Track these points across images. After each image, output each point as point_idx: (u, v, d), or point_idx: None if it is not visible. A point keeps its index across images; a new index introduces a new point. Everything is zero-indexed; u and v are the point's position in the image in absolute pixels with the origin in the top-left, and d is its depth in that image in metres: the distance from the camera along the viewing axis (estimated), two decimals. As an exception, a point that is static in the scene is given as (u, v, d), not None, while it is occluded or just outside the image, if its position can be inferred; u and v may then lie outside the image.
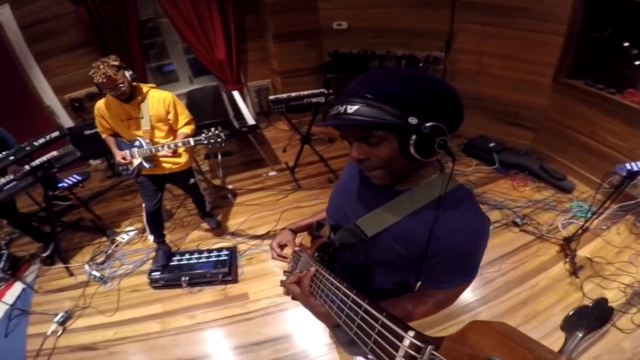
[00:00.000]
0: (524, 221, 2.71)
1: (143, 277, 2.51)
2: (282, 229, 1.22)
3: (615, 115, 2.76)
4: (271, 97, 3.42)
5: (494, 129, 3.56)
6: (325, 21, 3.89)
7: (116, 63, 1.91)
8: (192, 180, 2.57)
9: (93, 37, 3.44)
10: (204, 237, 2.87)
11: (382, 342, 0.54)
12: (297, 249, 1.09)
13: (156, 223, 2.54)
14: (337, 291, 0.72)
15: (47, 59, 3.47)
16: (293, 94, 3.38)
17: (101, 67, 1.86)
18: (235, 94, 3.90)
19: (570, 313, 1.43)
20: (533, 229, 2.66)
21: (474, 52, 3.35)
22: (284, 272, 1.14)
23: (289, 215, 2.97)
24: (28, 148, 2.39)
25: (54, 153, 2.63)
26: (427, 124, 0.70)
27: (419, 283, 0.94)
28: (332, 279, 0.76)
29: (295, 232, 1.20)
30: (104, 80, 1.87)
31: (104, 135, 2.29)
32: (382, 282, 0.94)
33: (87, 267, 2.66)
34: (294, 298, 0.91)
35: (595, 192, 2.53)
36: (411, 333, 0.49)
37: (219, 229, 2.91)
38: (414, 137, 0.71)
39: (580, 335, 1.43)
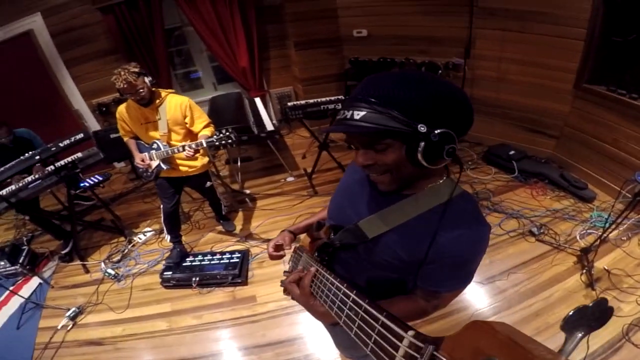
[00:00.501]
0: (541, 230, 2.58)
1: (156, 277, 2.51)
2: (282, 231, 1.21)
3: (638, 122, 2.58)
4: (289, 104, 3.44)
5: (514, 136, 3.42)
6: (346, 29, 3.93)
7: (136, 70, 1.99)
8: (208, 184, 2.60)
9: (121, 45, 3.60)
10: (218, 240, 2.87)
11: (382, 342, 0.54)
12: (296, 246, 1.09)
13: (173, 223, 2.57)
14: (337, 291, 0.72)
15: (77, 65, 3.66)
16: (310, 101, 3.39)
17: (122, 73, 1.94)
18: (257, 101, 3.95)
19: (570, 313, 1.37)
20: (550, 239, 2.54)
21: (493, 58, 3.25)
22: (284, 272, 1.13)
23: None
24: (53, 149, 2.49)
25: (79, 154, 2.73)
26: (436, 131, 0.68)
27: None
28: (332, 279, 0.76)
29: (294, 233, 1.19)
30: (125, 86, 1.96)
31: (125, 139, 2.37)
32: (380, 284, 0.93)
33: (103, 265, 2.70)
34: (293, 298, 0.90)
35: (615, 201, 2.37)
36: (411, 333, 0.49)
37: (234, 232, 2.90)
38: (422, 144, 0.68)
39: (580, 335, 1.37)
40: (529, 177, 3.11)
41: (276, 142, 3.87)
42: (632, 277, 2.19)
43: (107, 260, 2.76)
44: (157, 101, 2.16)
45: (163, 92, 2.20)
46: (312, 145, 4.07)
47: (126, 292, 2.45)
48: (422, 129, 0.68)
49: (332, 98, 3.38)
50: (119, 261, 2.75)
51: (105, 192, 3.73)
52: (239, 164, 3.63)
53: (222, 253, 2.56)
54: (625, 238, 2.48)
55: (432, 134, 0.68)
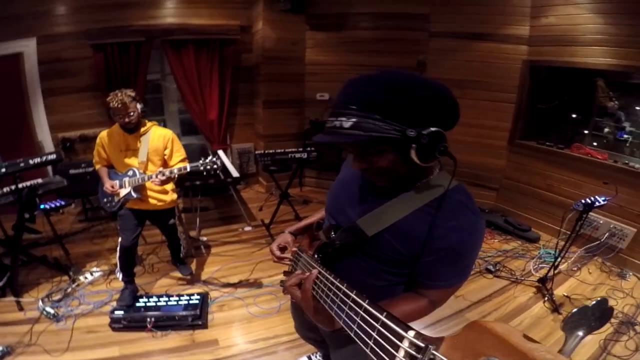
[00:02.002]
0: (497, 268, 2.87)
1: (102, 319, 2.35)
2: (282, 232, 1.23)
3: (567, 167, 3.23)
4: (257, 152, 3.73)
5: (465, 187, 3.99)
6: (310, 92, 4.45)
7: (132, 94, 2.14)
8: (172, 221, 2.62)
9: (102, 84, 3.72)
10: (174, 284, 2.80)
11: (382, 342, 0.54)
12: (295, 249, 1.09)
13: (128, 260, 2.49)
14: (337, 291, 0.72)
15: (53, 96, 3.67)
16: (279, 150, 3.71)
17: (119, 94, 2.07)
18: (220, 152, 4.19)
19: (571, 313, 1.43)
20: (507, 274, 2.83)
21: None
22: (284, 272, 1.14)
23: (264, 266, 3.00)
24: (22, 164, 2.42)
25: (39, 180, 2.68)
26: (425, 133, 0.71)
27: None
28: (332, 279, 0.75)
29: (294, 234, 1.21)
30: (119, 106, 2.07)
31: (97, 166, 2.39)
32: (382, 280, 0.93)
33: (40, 303, 2.47)
34: (294, 300, 0.88)
35: (558, 237, 2.72)
36: (411, 333, 0.49)
37: (191, 277, 2.86)
38: (414, 146, 0.72)
39: (581, 335, 1.41)
40: (477, 225, 3.60)
41: (237, 192, 4.04)
42: (592, 300, 2.36)
43: (45, 299, 2.53)
44: (142, 129, 2.27)
45: (148, 123, 2.32)
46: (269, 199, 4.31)
47: (66, 334, 2.24)
48: (411, 133, 0.70)
49: (299, 149, 3.73)
50: (59, 300, 2.53)
51: (49, 230, 3.49)
52: (198, 212, 3.69)
53: (180, 295, 2.50)
54: (575, 268, 2.89)
55: (422, 136, 0.70)
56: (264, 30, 4.07)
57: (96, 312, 2.45)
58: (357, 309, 0.63)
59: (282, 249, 1.18)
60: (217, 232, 3.65)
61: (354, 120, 0.72)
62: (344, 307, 0.67)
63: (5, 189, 2.52)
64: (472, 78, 3.66)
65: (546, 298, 2.53)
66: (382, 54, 4.03)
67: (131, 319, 2.29)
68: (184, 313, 2.31)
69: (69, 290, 2.65)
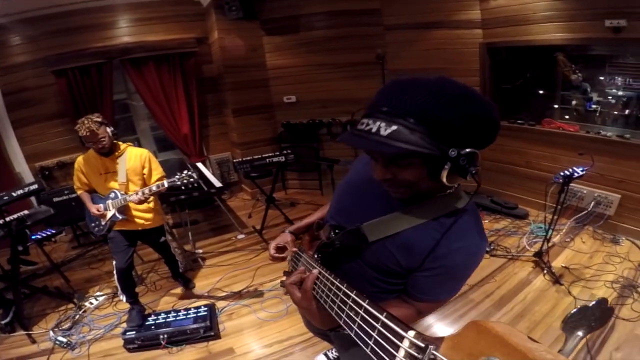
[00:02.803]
0: (492, 247, 2.93)
1: (116, 341, 2.44)
2: (282, 231, 1.21)
3: (541, 142, 3.35)
4: (235, 160, 3.81)
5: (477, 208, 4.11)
6: (277, 96, 4.54)
7: (99, 119, 2.17)
8: (162, 239, 2.67)
9: (70, 109, 3.71)
10: (179, 299, 2.88)
11: (382, 342, 0.54)
12: (295, 249, 1.08)
13: (127, 281, 2.54)
14: (337, 291, 0.72)
15: (24, 126, 3.66)
16: (256, 156, 3.80)
17: (86, 122, 2.11)
18: (199, 165, 4.25)
19: (571, 313, 1.44)
20: (502, 252, 2.90)
21: None
22: (284, 272, 1.14)
23: (264, 271, 3.11)
24: (6, 198, 2.45)
25: (26, 212, 2.71)
26: (463, 154, 0.67)
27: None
28: (332, 279, 0.75)
29: (295, 234, 1.19)
30: (88, 134, 2.10)
31: (79, 192, 2.44)
32: (375, 287, 0.93)
33: (51, 333, 2.53)
34: (293, 300, 0.88)
35: (545, 211, 2.78)
36: (411, 333, 0.49)
37: (194, 290, 2.96)
38: (447, 166, 0.68)
39: (581, 334, 1.43)
40: (464, 208, 3.75)
41: (223, 202, 4.15)
42: (590, 268, 2.61)
43: (55, 329, 2.60)
44: (117, 152, 2.32)
45: (122, 145, 2.37)
46: (256, 205, 4.43)
47: (83, 360, 2.35)
48: (453, 153, 0.66)
49: (276, 153, 3.84)
50: (69, 328, 2.60)
51: (45, 260, 3.49)
52: (189, 225, 3.77)
53: (187, 309, 2.59)
54: (568, 239, 2.97)
55: (461, 157, 0.66)
56: (220, 40, 4.10)
57: (108, 335, 2.53)
58: (357, 309, 0.63)
59: (281, 248, 1.17)
60: (211, 243, 3.74)
61: (394, 128, 0.67)
62: (344, 307, 0.67)
63: None
64: (433, 66, 3.76)
65: (545, 271, 2.59)
66: (341, 51, 4.13)
67: (144, 338, 2.38)
68: (195, 326, 2.41)
69: (77, 317, 2.72)
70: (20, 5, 3.35)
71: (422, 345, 0.47)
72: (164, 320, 2.49)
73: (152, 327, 2.44)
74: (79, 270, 3.41)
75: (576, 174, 2.45)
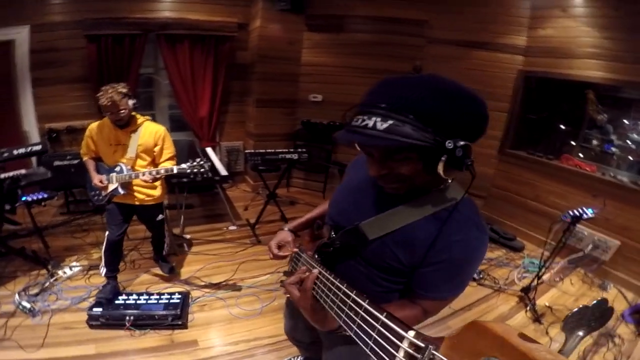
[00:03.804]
0: (481, 276, 2.89)
1: (79, 315, 2.31)
2: (280, 228, 1.19)
3: (555, 178, 3.30)
4: (248, 151, 3.72)
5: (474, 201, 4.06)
6: (303, 93, 4.46)
7: (124, 90, 2.09)
8: (160, 216, 2.59)
9: (93, 76, 3.65)
10: (155, 282, 2.77)
11: (382, 342, 0.54)
12: (295, 249, 1.06)
13: (115, 255, 2.47)
14: (337, 291, 0.71)
15: (43, 86, 3.60)
16: (269, 150, 3.70)
17: (109, 91, 2.03)
18: (209, 150, 4.17)
19: (571, 313, 1.44)
20: (490, 282, 2.87)
21: None
22: (284, 272, 1.13)
23: (248, 267, 3.00)
24: (5, 154, 2.38)
25: (22, 171, 2.63)
26: (459, 145, 0.68)
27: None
28: (332, 279, 0.75)
29: (293, 231, 1.18)
30: (108, 104, 2.03)
31: (85, 158, 2.36)
32: (378, 286, 0.92)
33: (17, 296, 2.41)
34: (293, 300, 0.88)
35: (543, 248, 2.69)
36: (411, 333, 0.50)
37: (172, 275, 2.84)
38: (444, 158, 0.69)
39: (581, 335, 1.42)
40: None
41: (223, 190, 4.04)
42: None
43: (22, 292, 2.47)
44: (133, 126, 2.24)
45: (140, 118, 2.29)
46: (255, 199, 4.33)
47: (41, 329, 2.19)
48: (450, 145, 0.67)
49: (290, 150, 3.72)
50: (36, 294, 2.48)
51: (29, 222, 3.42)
52: (183, 209, 3.67)
53: (161, 294, 2.48)
54: (558, 279, 2.95)
55: (457, 149, 0.67)
56: (261, 29, 4.06)
57: (74, 308, 2.41)
58: (357, 309, 0.63)
59: (281, 247, 1.15)
60: (201, 230, 3.62)
61: (390, 122, 0.67)
62: (343, 307, 0.67)
63: None
64: (470, 85, 3.67)
65: (528, 308, 2.56)
66: (379, 57, 4.04)
67: (110, 316, 2.25)
68: (164, 312, 2.28)
69: (47, 284, 2.60)
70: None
71: (422, 345, 0.47)
72: (134, 302, 2.39)
73: (121, 307, 2.33)
74: (62, 237, 3.30)
75: (585, 216, 2.39)
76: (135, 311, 2.28)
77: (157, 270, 2.88)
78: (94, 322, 2.26)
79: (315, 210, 1.24)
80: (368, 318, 0.59)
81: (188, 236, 3.45)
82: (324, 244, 0.96)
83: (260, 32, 4.07)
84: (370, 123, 0.69)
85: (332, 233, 0.95)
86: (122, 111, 2.10)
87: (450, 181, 0.83)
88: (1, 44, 3.33)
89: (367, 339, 0.57)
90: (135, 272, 2.87)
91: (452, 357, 0.45)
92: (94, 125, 2.30)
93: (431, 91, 0.69)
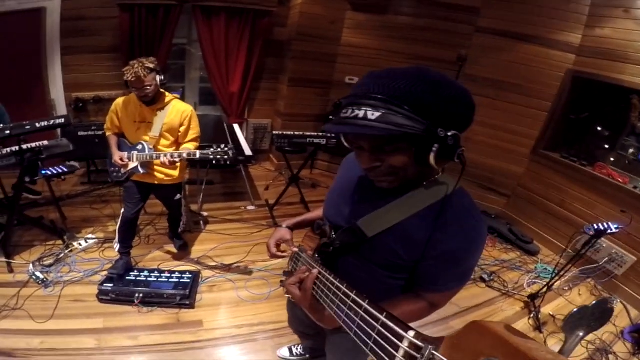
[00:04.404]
0: (491, 277, 2.84)
1: (90, 288, 2.29)
2: (279, 225, 1.19)
3: (585, 185, 3.12)
4: (275, 132, 3.58)
5: (468, 191, 3.88)
6: (339, 75, 4.25)
7: (151, 65, 1.97)
8: (178, 196, 2.52)
9: (124, 46, 3.56)
10: (167, 259, 2.72)
11: (382, 342, 0.54)
12: (295, 249, 1.07)
13: (129, 232, 2.42)
14: (337, 291, 0.72)
15: (72, 55, 3.55)
16: (297, 133, 3.54)
17: (136, 66, 1.92)
18: (236, 127, 4.05)
19: (571, 313, 1.41)
20: (499, 285, 2.81)
21: None
22: (284, 272, 1.13)
23: (261, 249, 2.88)
24: (28, 127, 2.31)
25: (45, 142, 2.58)
26: (449, 134, 0.68)
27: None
28: (332, 279, 0.75)
29: (292, 229, 1.18)
30: (133, 79, 1.93)
31: (108, 133, 2.29)
32: (380, 283, 0.92)
33: (31, 266, 2.42)
34: (294, 300, 0.89)
35: (560, 256, 2.63)
36: (411, 333, 0.49)
37: (184, 252, 2.78)
38: (436, 147, 0.68)
39: (581, 334, 1.41)
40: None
41: (247, 169, 3.96)
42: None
43: (37, 262, 2.48)
44: (160, 104, 2.13)
45: (168, 97, 2.18)
46: (277, 179, 4.21)
47: (52, 301, 2.19)
48: (442, 133, 0.67)
49: (319, 133, 3.57)
50: (50, 265, 2.48)
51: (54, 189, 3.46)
52: (203, 185, 3.58)
53: (172, 272, 2.42)
54: (567, 288, 2.86)
55: (449, 138, 0.68)
56: (303, 5, 3.86)
57: (86, 280, 2.40)
58: (357, 309, 0.63)
59: (279, 245, 1.15)
60: (219, 208, 3.54)
61: (382, 112, 0.66)
62: (343, 307, 0.67)
63: (8, 150, 2.44)
64: (511, 80, 3.44)
65: (532, 315, 2.49)
66: (423, 43, 3.78)
67: (119, 292, 2.22)
68: (173, 292, 2.23)
69: (62, 255, 2.59)
70: None
71: (422, 345, 0.47)
72: (144, 279, 2.35)
73: (131, 283, 2.30)
74: (80, 208, 3.30)
75: (610, 230, 2.28)
76: (144, 289, 2.24)
77: (171, 247, 2.83)
78: (103, 296, 2.23)
79: (314, 211, 1.24)
80: (368, 318, 0.59)
81: (205, 214, 3.37)
82: (324, 244, 0.95)
83: (302, 9, 3.87)
84: (361, 114, 0.68)
85: (332, 233, 0.95)
86: (147, 87, 1.98)
87: (441, 173, 0.83)
88: (32, 11, 3.29)
89: (366, 339, 0.57)
90: (149, 247, 2.83)
91: (452, 357, 0.44)
92: (119, 101, 2.20)
93: (420, 81, 0.69)
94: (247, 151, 3.38)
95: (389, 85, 0.69)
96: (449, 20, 3.65)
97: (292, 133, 3.50)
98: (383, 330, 0.54)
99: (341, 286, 0.71)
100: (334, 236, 0.94)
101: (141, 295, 2.19)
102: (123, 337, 2.01)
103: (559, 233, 3.25)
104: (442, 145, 0.68)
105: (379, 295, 0.87)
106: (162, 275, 2.37)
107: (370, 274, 0.91)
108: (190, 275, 2.38)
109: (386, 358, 0.52)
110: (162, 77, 2.08)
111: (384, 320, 0.55)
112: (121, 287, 2.23)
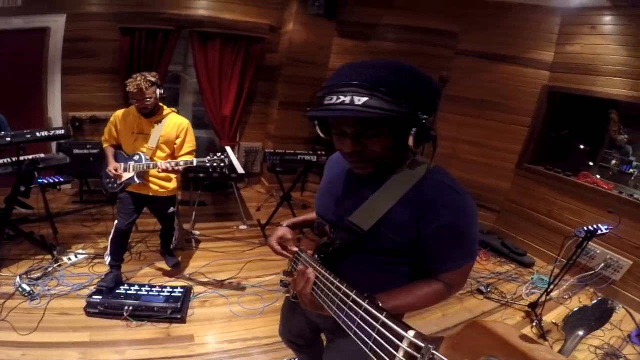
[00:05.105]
0: (489, 289, 2.84)
1: (78, 302, 2.23)
2: (279, 225, 1.19)
3: (571, 194, 3.24)
4: (267, 150, 3.68)
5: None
6: None
7: (153, 79, 2.09)
8: (172, 209, 2.54)
9: (123, 68, 3.70)
10: (158, 275, 2.68)
11: (382, 341, 0.54)
12: (296, 249, 1.07)
13: (121, 245, 2.41)
14: (337, 291, 0.72)
15: (72, 75, 3.67)
16: (289, 151, 3.65)
17: (138, 79, 2.02)
18: (228, 149, 4.12)
19: (571, 313, 1.40)
20: (497, 296, 2.81)
21: (450, 138, 3.82)
22: (284, 272, 1.13)
23: (253, 267, 2.91)
24: (29, 136, 2.36)
25: (41, 155, 2.62)
26: (425, 118, 0.75)
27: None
28: (332, 279, 0.75)
29: (292, 228, 1.17)
30: (135, 91, 2.02)
31: (105, 145, 2.35)
32: (387, 273, 0.93)
33: (18, 279, 2.35)
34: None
35: (554, 263, 2.67)
36: (411, 333, 0.49)
37: (177, 270, 2.74)
38: (414, 131, 0.74)
39: (581, 334, 1.39)
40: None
41: (238, 190, 4.00)
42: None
43: (24, 275, 2.42)
44: (158, 116, 2.22)
45: (166, 110, 2.27)
46: (268, 201, 4.25)
47: (38, 313, 2.12)
48: (423, 116, 0.74)
49: (309, 152, 3.67)
50: (38, 278, 2.42)
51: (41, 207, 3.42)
52: (195, 206, 3.60)
53: (163, 287, 2.38)
54: (567, 297, 2.88)
55: (428, 121, 0.74)
56: (293, 32, 4.10)
57: (73, 294, 2.33)
58: (357, 309, 0.63)
59: (283, 243, 1.14)
60: (211, 227, 3.54)
61: (367, 97, 0.71)
62: (343, 307, 0.67)
63: (6, 160, 2.46)
64: (491, 99, 3.67)
65: (534, 323, 2.49)
66: None
67: (108, 305, 2.17)
68: (164, 305, 2.18)
69: (50, 269, 2.54)
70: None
71: (422, 345, 0.47)
72: (135, 293, 2.30)
73: (121, 296, 2.25)
74: (71, 225, 3.27)
75: (600, 232, 2.36)
76: (134, 301, 2.18)
77: (162, 264, 2.80)
78: (92, 309, 2.17)
79: (314, 212, 1.22)
80: (368, 318, 0.59)
81: (197, 232, 3.37)
82: (324, 244, 0.96)
83: (292, 36, 4.10)
84: (347, 99, 0.72)
85: (332, 232, 0.96)
86: (147, 99, 2.08)
87: (413, 157, 0.87)
88: (37, 30, 3.43)
89: (367, 339, 0.57)
90: (140, 264, 2.79)
91: (452, 356, 0.44)
92: (119, 113, 2.29)
93: (400, 71, 0.76)
94: (240, 169, 3.46)
95: (372, 74, 0.74)
96: (430, 44, 3.90)
97: (283, 151, 3.62)
98: (383, 330, 0.54)
99: (341, 286, 0.71)
100: (333, 236, 0.94)
101: (131, 308, 2.14)
102: (109, 352, 1.94)
103: (550, 243, 3.31)
104: (420, 129, 0.74)
105: (386, 286, 0.89)
106: (153, 289, 2.33)
107: (373, 266, 0.92)
108: (182, 290, 2.34)
109: (386, 358, 0.52)
110: (162, 91, 2.19)
111: (384, 320, 0.55)
112: (110, 300, 2.18)
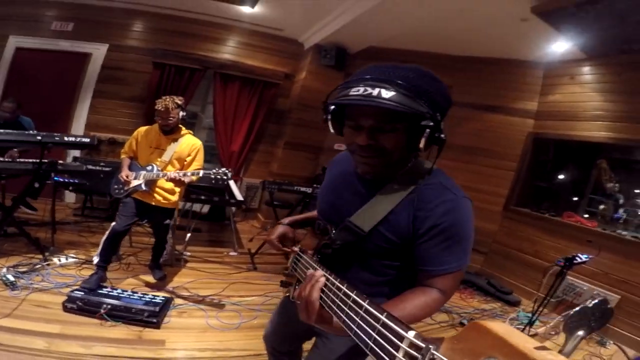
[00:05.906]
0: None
1: (58, 298, 2.21)
2: (278, 222, 1.19)
3: (556, 234, 3.27)
4: (267, 180, 3.88)
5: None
6: (330, 141, 4.67)
7: (179, 102, 2.39)
8: (168, 221, 2.65)
9: (150, 98, 4.03)
10: (142, 286, 2.65)
11: (382, 342, 0.54)
12: (296, 249, 1.07)
13: (113, 246, 2.49)
14: (337, 291, 0.71)
15: (101, 98, 4.04)
16: (287, 181, 3.87)
17: (167, 99, 2.33)
18: (231, 182, 4.29)
19: (571, 313, 1.32)
20: None
21: None
22: (283, 272, 1.11)
23: (238, 287, 2.90)
24: (57, 138, 2.57)
25: (60, 161, 2.82)
26: (442, 120, 0.79)
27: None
28: (332, 279, 0.75)
29: (291, 226, 1.18)
30: (162, 109, 2.32)
31: (123, 156, 2.56)
32: (384, 275, 0.93)
33: (4, 269, 2.38)
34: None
35: (537, 293, 2.65)
36: (411, 333, 0.49)
37: (162, 282, 2.72)
38: (427, 131, 0.77)
39: (581, 335, 1.29)
40: (457, 284, 3.56)
41: (234, 223, 4.08)
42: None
43: (11, 267, 2.44)
44: (177, 134, 2.47)
45: (184, 130, 2.52)
46: (261, 233, 4.31)
47: (15, 302, 2.10)
48: (439, 117, 0.77)
49: (306, 187, 3.85)
50: (24, 272, 2.43)
51: (44, 215, 3.51)
52: (190, 230, 3.64)
53: (145, 294, 2.34)
54: (553, 333, 2.82)
55: (442, 123, 0.78)
56: (305, 80, 4.51)
57: (55, 291, 2.32)
58: (357, 309, 0.63)
59: (284, 240, 1.15)
60: (202, 250, 3.57)
61: (394, 92, 0.75)
62: (344, 307, 0.67)
63: (30, 160, 2.64)
64: (480, 146, 3.91)
65: None
66: None
67: (87, 301, 2.14)
68: (142, 307, 2.15)
69: (38, 266, 2.55)
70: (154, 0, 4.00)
71: (422, 345, 0.47)
72: (116, 294, 2.28)
73: (101, 295, 2.23)
74: (67, 233, 3.34)
75: (578, 259, 2.39)
76: (114, 301, 2.16)
77: (148, 277, 2.78)
78: (70, 304, 2.14)
79: (313, 212, 1.23)
80: (368, 318, 0.59)
81: (188, 254, 3.37)
82: (324, 244, 0.96)
83: (304, 83, 4.52)
84: (375, 92, 0.76)
85: (332, 233, 0.96)
86: (171, 118, 2.36)
87: (413, 160, 0.90)
88: (80, 54, 3.89)
89: (367, 339, 0.57)
90: (126, 273, 2.79)
91: (452, 357, 0.44)
92: (142, 129, 2.55)
93: (421, 73, 0.80)
94: (239, 196, 3.58)
95: (398, 73, 0.78)
96: (428, 96, 4.31)
97: (281, 181, 3.80)
98: (383, 330, 0.54)
99: (341, 286, 0.70)
100: (332, 236, 0.94)
101: (109, 306, 2.11)
102: (76, 345, 1.88)
103: (536, 282, 3.21)
104: (433, 130, 0.77)
105: (384, 289, 0.92)
106: (134, 294, 2.31)
107: (370, 267, 0.93)
108: (163, 298, 2.32)
109: (386, 358, 0.52)
110: (184, 114, 2.46)
111: (385, 320, 0.55)
112: (90, 296, 2.16)
